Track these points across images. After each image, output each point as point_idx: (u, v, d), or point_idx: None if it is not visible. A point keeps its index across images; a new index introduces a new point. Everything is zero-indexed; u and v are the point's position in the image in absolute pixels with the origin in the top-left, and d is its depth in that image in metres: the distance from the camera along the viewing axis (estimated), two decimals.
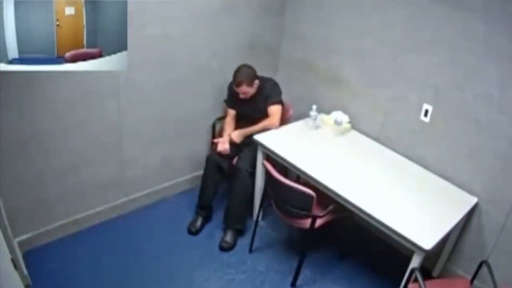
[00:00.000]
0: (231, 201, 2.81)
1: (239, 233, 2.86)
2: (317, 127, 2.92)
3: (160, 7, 2.47)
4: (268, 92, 2.84)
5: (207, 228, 2.93)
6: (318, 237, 2.66)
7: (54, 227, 2.64)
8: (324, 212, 2.35)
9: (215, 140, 2.88)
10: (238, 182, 2.76)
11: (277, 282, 2.57)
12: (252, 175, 2.79)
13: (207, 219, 2.97)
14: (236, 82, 2.71)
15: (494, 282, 1.92)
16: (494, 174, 2.30)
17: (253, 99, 2.82)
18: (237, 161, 2.84)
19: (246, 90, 2.75)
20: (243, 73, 2.71)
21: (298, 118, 3.05)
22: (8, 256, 1.84)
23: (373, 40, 2.69)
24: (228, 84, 2.97)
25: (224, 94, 3.05)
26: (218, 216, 2.97)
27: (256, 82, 2.78)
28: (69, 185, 2.59)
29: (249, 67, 2.76)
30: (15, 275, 1.93)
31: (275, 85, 2.90)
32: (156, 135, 2.89)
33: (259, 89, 2.82)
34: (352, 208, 2.25)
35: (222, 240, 2.78)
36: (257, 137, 2.73)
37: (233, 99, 2.95)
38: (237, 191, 2.77)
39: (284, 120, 2.96)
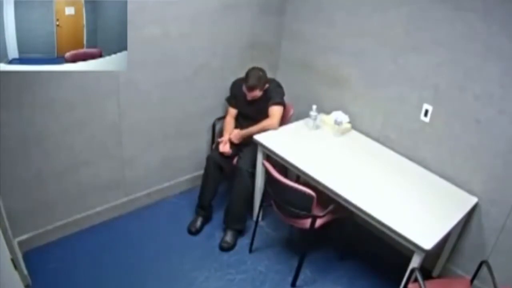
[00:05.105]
0: (231, 201, 2.81)
1: (239, 233, 2.86)
2: (317, 127, 2.92)
3: (160, 7, 2.47)
4: (271, 93, 2.84)
5: (207, 228, 2.93)
6: (318, 237, 2.66)
7: (54, 227, 2.64)
8: (324, 212, 2.35)
9: (220, 140, 2.88)
10: (238, 182, 2.76)
11: (277, 282, 2.57)
12: (252, 175, 2.79)
13: (207, 219, 2.97)
14: (249, 86, 2.72)
15: (494, 282, 1.92)
16: (494, 174, 2.30)
17: (256, 100, 2.82)
18: (237, 161, 2.84)
19: (258, 94, 2.76)
20: (257, 78, 2.72)
21: (298, 118, 3.05)
22: (8, 256, 1.85)
23: (373, 40, 2.69)
24: (230, 83, 2.98)
25: (225, 94, 3.05)
26: (218, 216, 2.97)
27: (267, 85, 2.79)
28: (69, 185, 2.59)
29: (262, 71, 2.77)
30: (15, 275, 1.94)
31: (278, 86, 2.91)
32: (156, 135, 2.89)
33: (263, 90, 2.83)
34: (352, 208, 2.25)
35: (222, 240, 2.78)
36: (257, 137, 2.72)
37: (236, 99, 2.95)
38: (237, 191, 2.77)
39: (284, 121, 2.96)
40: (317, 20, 3.00)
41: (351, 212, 2.32)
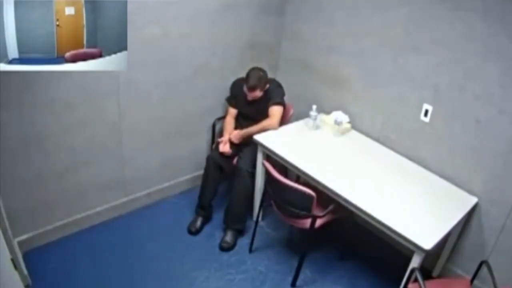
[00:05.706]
0: (231, 201, 2.81)
1: (239, 233, 2.86)
2: (317, 127, 2.92)
3: (160, 7, 2.47)
4: (271, 93, 2.84)
5: (207, 228, 2.93)
6: (318, 237, 2.66)
7: (54, 227, 2.64)
8: (324, 212, 2.35)
9: (220, 139, 2.88)
10: (238, 182, 2.76)
11: (277, 282, 2.57)
12: (252, 175, 2.79)
13: (207, 219, 2.97)
14: (250, 86, 2.71)
15: (494, 282, 1.92)
16: (494, 174, 2.30)
17: (256, 100, 2.82)
18: (237, 161, 2.84)
19: (258, 94, 2.76)
20: (258, 78, 2.72)
21: (298, 118, 3.05)
22: (8, 256, 1.85)
23: (373, 40, 2.69)
24: (230, 83, 2.98)
25: (225, 94, 3.05)
26: (218, 216, 2.97)
27: (267, 86, 2.79)
28: (69, 185, 2.59)
29: (262, 71, 2.77)
30: (15, 275, 1.94)
31: (279, 86, 2.91)
32: (156, 135, 2.89)
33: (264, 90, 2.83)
34: (352, 208, 2.25)
35: (222, 240, 2.78)
36: (257, 137, 2.72)
37: (236, 99, 2.95)
38: (237, 191, 2.77)
39: (284, 121, 2.96)
40: (317, 20, 3.00)
41: (351, 212, 2.32)
